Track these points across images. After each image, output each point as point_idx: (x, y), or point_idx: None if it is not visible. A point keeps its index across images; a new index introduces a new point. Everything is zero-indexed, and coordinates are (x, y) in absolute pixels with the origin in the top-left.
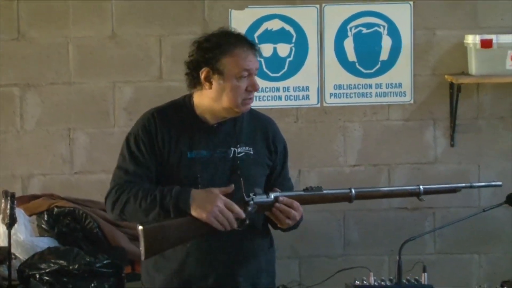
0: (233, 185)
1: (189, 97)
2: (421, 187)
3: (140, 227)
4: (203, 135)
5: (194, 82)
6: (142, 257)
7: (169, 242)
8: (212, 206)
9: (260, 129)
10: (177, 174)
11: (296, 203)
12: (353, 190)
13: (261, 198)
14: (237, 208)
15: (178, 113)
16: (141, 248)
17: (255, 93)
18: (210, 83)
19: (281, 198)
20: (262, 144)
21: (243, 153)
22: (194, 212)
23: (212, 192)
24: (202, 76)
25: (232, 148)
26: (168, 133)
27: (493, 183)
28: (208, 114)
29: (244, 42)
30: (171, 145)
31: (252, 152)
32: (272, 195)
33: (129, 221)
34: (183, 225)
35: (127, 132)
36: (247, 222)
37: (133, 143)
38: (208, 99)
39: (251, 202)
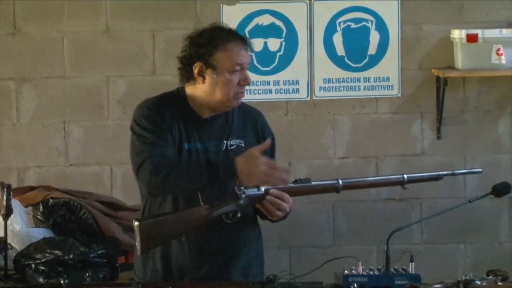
0: (268, 140)
1: (182, 89)
2: (405, 176)
3: (136, 223)
4: (197, 128)
5: (187, 76)
6: (138, 252)
7: (165, 237)
8: (257, 171)
9: (250, 122)
10: None
11: (286, 195)
12: (340, 181)
13: (252, 191)
14: (278, 165)
15: (173, 104)
16: (136, 244)
17: (247, 87)
18: (203, 78)
19: (271, 191)
20: (253, 137)
21: (235, 146)
22: (244, 181)
23: (252, 155)
24: (196, 71)
25: (224, 141)
26: (168, 120)
27: (474, 170)
28: (201, 108)
29: (236, 37)
30: (172, 132)
31: (243, 145)
32: (262, 188)
33: (169, 191)
34: (178, 220)
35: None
36: (239, 215)
37: (144, 121)
38: (201, 93)
39: (243, 195)
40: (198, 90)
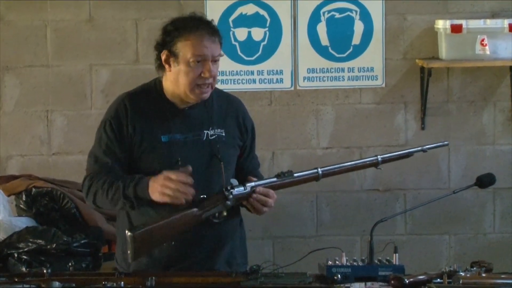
0: (190, 167)
1: (159, 81)
2: (379, 157)
3: (129, 234)
4: (175, 119)
5: (159, 65)
6: (129, 260)
7: (156, 243)
8: (158, 184)
9: (231, 111)
10: (155, 159)
11: (271, 192)
12: (319, 170)
13: (239, 190)
14: (179, 174)
15: (149, 97)
16: (128, 252)
17: (231, 76)
18: (170, 66)
19: (258, 189)
20: (234, 125)
21: (215, 136)
22: (153, 197)
23: (162, 174)
24: (163, 59)
25: (205, 131)
26: (139, 118)
27: (441, 143)
28: (175, 98)
29: (203, 27)
30: (144, 129)
31: (224, 134)
32: (248, 186)
33: (104, 209)
34: (170, 226)
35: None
36: (225, 213)
37: (103, 131)
38: (169, 83)
39: (230, 196)
40: (168, 79)
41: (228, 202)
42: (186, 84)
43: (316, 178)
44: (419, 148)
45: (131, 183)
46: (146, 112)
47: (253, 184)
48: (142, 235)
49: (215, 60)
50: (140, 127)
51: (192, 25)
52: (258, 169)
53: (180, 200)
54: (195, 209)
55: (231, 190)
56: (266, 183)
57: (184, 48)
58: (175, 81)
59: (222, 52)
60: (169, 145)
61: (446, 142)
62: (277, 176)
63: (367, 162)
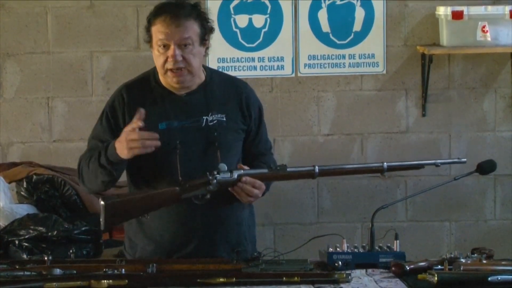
0: (142, 110)
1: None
2: (385, 164)
3: (102, 203)
4: (173, 106)
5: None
6: (101, 227)
7: (128, 215)
8: (123, 142)
9: (233, 95)
10: None
11: (258, 182)
12: (316, 168)
13: (224, 176)
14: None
15: (147, 85)
16: (101, 220)
17: (232, 63)
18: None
19: (244, 178)
20: (236, 110)
21: (216, 121)
22: (123, 156)
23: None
24: (149, 45)
25: (204, 117)
26: (137, 106)
27: (457, 160)
28: (171, 85)
29: (168, 12)
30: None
31: (224, 119)
32: (235, 174)
33: (90, 190)
34: (146, 200)
35: (106, 101)
36: (208, 196)
37: (99, 121)
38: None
39: (214, 181)
40: None
41: (211, 187)
42: (160, 68)
43: (312, 175)
44: (432, 161)
45: (102, 151)
46: (144, 101)
47: (241, 172)
48: (115, 205)
49: (184, 44)
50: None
51: (160, 10)
52: (267, 154)
53: (150, 148)
54: (176, 188)
55: (216, 175)
56: (256, 174)
57: (154, 34)
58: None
59: (194, 36)
60: (167, 132)
61: (464, 160)
62: (269, 169)
63: (372, 168)
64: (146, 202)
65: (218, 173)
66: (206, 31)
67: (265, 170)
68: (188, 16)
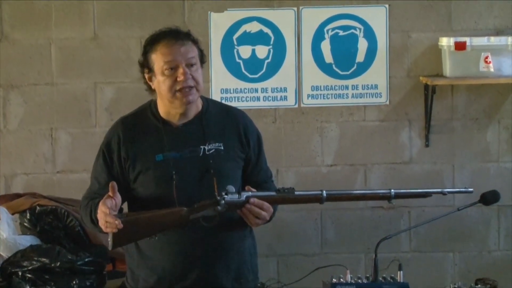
0: (114, 183)
1: (154, 101)
2: (393, 191)
3: None
4: (170, 137)
5: (147, 85)
6: (109, 248)
7: (137, 235)
8: (100, 219)
9: (231, 123)
10: (150, 178)
11: (266, 205)
12: (324, 193)
13: (232, 197)
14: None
15: (144, 118)
16: (109, 240)
17: (236, 94)
18: (153, 83)
19: (252, 200)
20: (234, 138)
21: (213, 150)
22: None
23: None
24: (146, 78)
25: (201, 147)
26: (133, 142)
27: (464, 189)
28: (169, 115)
29: (169, 35)
30: (137, 153)
31: (222, 148)
32: (244, 195)
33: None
34: (153, 220)
35: None
36: (217, 218)
37: (97, 159)
38: (159, 100)
39: (222, 202)
40: (157, 97)
41: (219, 207)
42: (167, 92)
43: (319, 200)
44: (439, 190)
45: (92, 209)
46: (140, 135)
47: (249, 194)
48: (123, 224)
49: (191, 64)
50: (133, 151)
51: (159, 36)
52: (268, 182)
53: (114, 230)
54: (183, 208)
55: (224, 196)
56: (264, 196)
57: (156, 60)
58: (160, 95)
59: (196, 56)
60: (164, 163)
61: (470, 190)
62: (277, 191)
63: (379, 194)
64: (154, 222)
65: (226, 194)
66: (202, 54)
67: (273, 193)
68: (187, 38)
